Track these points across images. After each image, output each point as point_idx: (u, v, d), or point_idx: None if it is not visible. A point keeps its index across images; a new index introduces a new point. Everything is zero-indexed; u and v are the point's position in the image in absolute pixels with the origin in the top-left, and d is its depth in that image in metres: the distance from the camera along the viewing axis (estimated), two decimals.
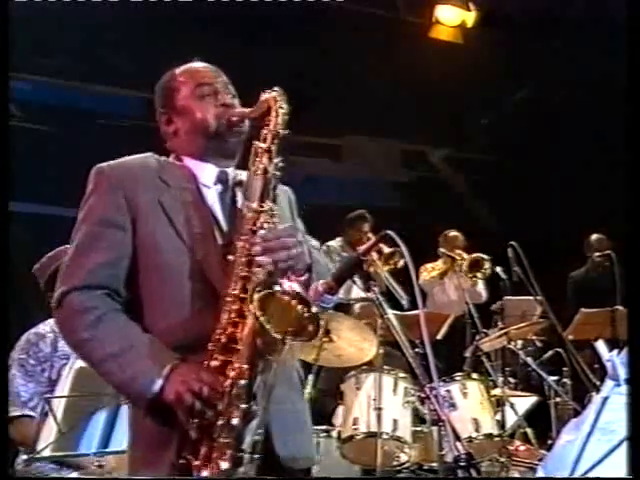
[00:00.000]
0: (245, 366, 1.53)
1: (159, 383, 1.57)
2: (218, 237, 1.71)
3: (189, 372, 1.57)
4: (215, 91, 1.80)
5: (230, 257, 1.62)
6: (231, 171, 1.82)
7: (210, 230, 1.71)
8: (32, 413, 2.84)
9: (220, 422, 1.52)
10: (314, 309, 1.56)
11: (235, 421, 1.52)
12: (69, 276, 1.66)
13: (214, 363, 1.57)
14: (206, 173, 1.79)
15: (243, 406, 1.52)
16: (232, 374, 1.54)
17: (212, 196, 1.77)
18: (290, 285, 1.59)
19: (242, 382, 1.53)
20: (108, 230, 1.67)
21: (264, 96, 1.73)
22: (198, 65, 1.87)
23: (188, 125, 1.80)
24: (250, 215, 1.64)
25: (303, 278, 1.67)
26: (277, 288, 1.57)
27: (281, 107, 1.70)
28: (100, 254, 1.66)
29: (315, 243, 1.95)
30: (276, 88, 1.73)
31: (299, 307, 1.56)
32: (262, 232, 1.62)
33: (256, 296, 1.53)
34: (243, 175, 1.81)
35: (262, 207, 1.64)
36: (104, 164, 1.75)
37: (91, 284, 1.64)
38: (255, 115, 1.75)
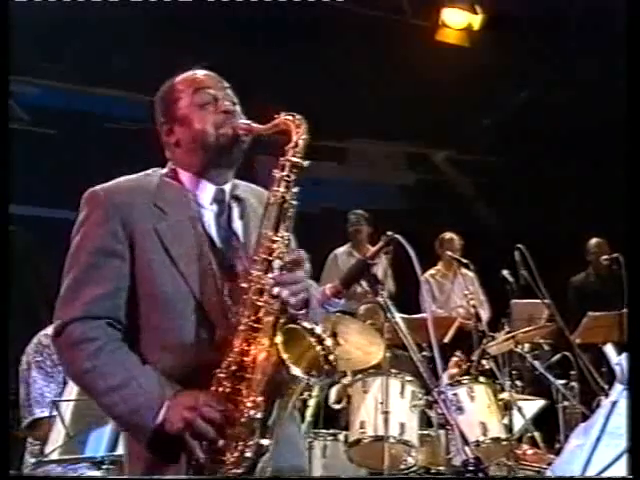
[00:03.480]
0: (260, 398, 1.53)
1: (161, 414, 1.56)
2: (214, 262, 1.68)
3: (195, 398, 1.56)
4: (215, 97, 1.75)
5: (244, 285, 1.61)
6: (228, 187, 1.78)
7: (207, 260, 1.68)
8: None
9: (235, 454, 1.52)
10: (332, 358, 1.56)
11: (249, 454, 1.52)
12: (69, 307, 1.64)
13: (222, 390, 1.56)
14: (203, 193, 1.75)
15: (258, 441, 1.53)
16: (248, 405, 1.53)
17: (208, 217, 1.74)
18: (322, 330, 1.58)
19: (258, 415, 1.52)
20: (106, 260, 1.65)
21: (282, 117, 1.68)
22: (197, 72, 1.83)
23: (188, 135, 1.75)
24: (265, 244, 1.62)
25: (301, 313, 1.65)
26: (305, 325, 1.57)
27: (302, 136, 1.66)
28: (99, 285, 1.64)
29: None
30: (298, 115, 1.68)
31: (318, 347, 1.56)
32: (277, 262, 1.60)
33: (280, 335, 1.54)
34: (240, 188, 1.80)
35: (277, 237, 1.62)
36: (98, 187, 1.71)
37: (91, 315, 1.62)
38: (266, 133, 1.71)
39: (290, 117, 1.68)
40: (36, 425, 2.87)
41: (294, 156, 1.66)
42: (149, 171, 1.80)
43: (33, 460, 2.81)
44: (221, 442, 1.52)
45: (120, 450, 2.60)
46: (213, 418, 1.52)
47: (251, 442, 1.52)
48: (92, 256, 1.65)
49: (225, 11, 5.19)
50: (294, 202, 1.65)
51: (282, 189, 1.64)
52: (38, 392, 2.89)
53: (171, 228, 1.68)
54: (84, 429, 2.61)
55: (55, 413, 2.69)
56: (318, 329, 1.58)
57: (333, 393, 3.80)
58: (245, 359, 1.56)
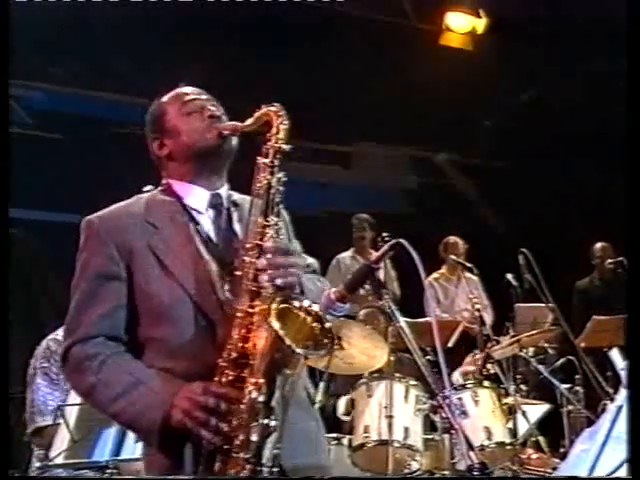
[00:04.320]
0: (262, 380, 1.54)
1: (166, 410, 1.58)
2: (213, 265, 1.71)
3: (193, 389, 1.58)
4: (201, 106, 1.80)
5: (238, 272, 1.63)
6: (224, 193, 1.82)
7: (203, 263, 1.70)
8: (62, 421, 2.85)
9: (240, 438, 1.53)
10: (327, 325, 1.57)
11: (254, 437, 1.53)
12: (71, 331, 1.71)
13: (226, 379, 1.58)
14: (198, 199, 1.79)
15: (262, 422, 1.54)
16: (250, 388, 1.54)
17: (205, 222, 1.77)
18: (309, 304, 1.60)
19: (260, 398, 1.53)
20: (105, 283, 1.70)
21: (262, 110, 1.73)
22: (182, 89, 1.88)
23: (178, 144, 1.80)
24: (256, 230, 1.65)
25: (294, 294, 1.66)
26: (295, 303, 1.59)
27: (283, 123, 1.70)
28: (98, 307, 1.69)
29: (312, 261, 1.95)
30: (275, 104, 1.73)
31: (314, 324, 1.58)
32: (268, 244, 1.62)
33: (273, 309, 1.55)
34: (236, 196, 1.83)
35: (267, 222, 1.65)
36: (93, 216, 1.77)
37: (91, 335, 1.68)
38: (250, 129, 1.74)
39: (271, 108, 1.72)
40: (39, 433, 2.88)
41: (276, 142, 1.69)
42: (146, 188, 1.85)
43: (38, 464, 2.82)
44: (225, 427, 1.53)
45: (124, 454, 2.61)
46: (210, 404, 1.54)
47: (255, 424, 1.53)
48: (91, 282, 1.71)
49: (229, 13, 5.19)
50: (280, 187, 1.68)
51: (267, 175, 1.68)
52: (41, 400, 2.90)
53: (164, 240, 1.72)
54: (88, 434, 2.62)
55: (59, 421, 2.71)
56: (306, 302, 1.60)
57: (342, 404, 3.78)
58: (245, 345, 1.58)
